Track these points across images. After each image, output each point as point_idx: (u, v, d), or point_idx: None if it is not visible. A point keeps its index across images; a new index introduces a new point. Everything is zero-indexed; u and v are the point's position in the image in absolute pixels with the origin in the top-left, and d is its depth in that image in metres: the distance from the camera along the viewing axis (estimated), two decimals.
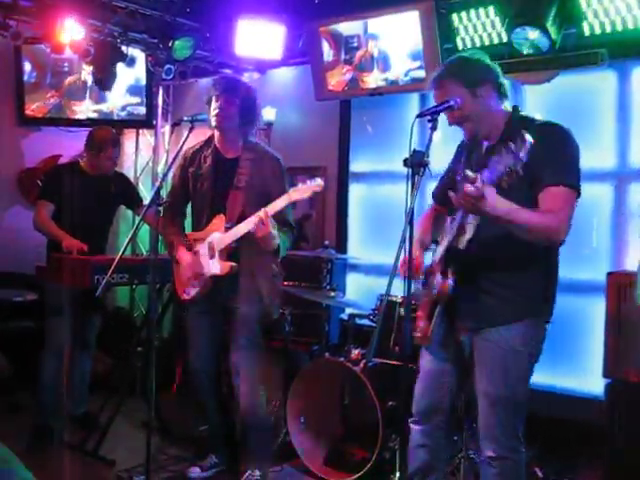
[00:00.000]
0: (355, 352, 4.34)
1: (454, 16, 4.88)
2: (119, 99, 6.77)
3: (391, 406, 4.07)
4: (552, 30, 4.35)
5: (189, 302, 4.05)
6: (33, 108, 6.65)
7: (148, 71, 6.56)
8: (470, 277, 2.88)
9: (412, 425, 3.13)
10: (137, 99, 6.80)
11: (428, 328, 2.95)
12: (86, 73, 6.44)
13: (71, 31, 5.35)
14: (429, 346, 3.07)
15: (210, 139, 4.09)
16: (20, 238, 6.12)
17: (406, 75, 5.29)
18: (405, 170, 2.67)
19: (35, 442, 4.53)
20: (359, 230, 6.21)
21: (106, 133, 4.82)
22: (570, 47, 4.62)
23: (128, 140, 7.39)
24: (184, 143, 3.73)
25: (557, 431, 4.62)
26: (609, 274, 4.06)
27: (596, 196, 4.77)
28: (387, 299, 2.76)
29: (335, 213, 6.24)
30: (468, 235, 2.85)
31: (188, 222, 4.22)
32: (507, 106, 3.00)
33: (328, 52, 5.61)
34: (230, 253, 3.86)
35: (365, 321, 4.73)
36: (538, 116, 3.07)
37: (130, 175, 6.37)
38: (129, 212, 5.72)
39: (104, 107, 6.78)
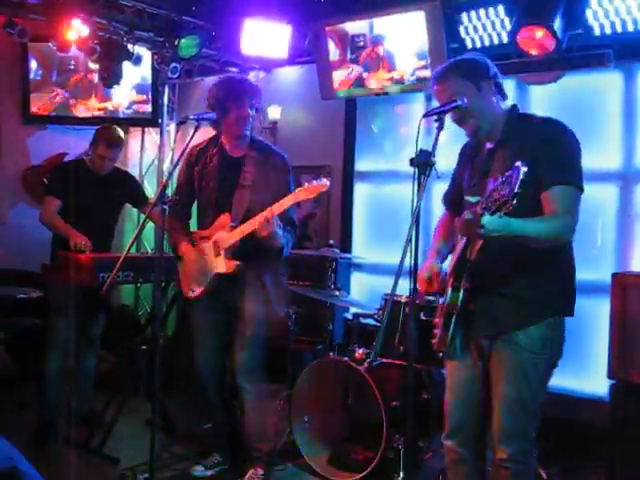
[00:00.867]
0: (359, 351, 4.33)
1: (460, 16, 4.87)
2: (125, 97, 6.79)
3: (395, 406, 4.06)
4: (559, 30, 4.35)
5: (194, 300, 4.04)
6: (39, 106, 6.67)
7: (154, 69, 6.57)
8: (483, 285, 2.85)
9: (445, 441, 3.06)
10: (143, 97, 6.82)
11: (445, 336, 2.92)
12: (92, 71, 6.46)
13: (77, 29, 5.36)
14: (453, 354, 3.00)
15: (216, 137, 4.08)
16: (25, 235, 6.14)
17: (412, 75, 5.29)
18: (411, 170, 2.67)
19: (39, 439, 4.54)
20: (364, 229, 6.21)
21: (105, 132, 4.79)
22: (576, 48, 4.62)
23: (134, 138, 7.40)
24: (190, 141, 3.73)
25: (561, 432, 4.60)
26: (614, 275, 4.04)
27: (601, 197, 4.77)
28: (392, 298, 2.76)
29: (340, 212, 6.24)
30: (477, 245, 2.84)
31: (193, 222, 4.22)
32: (506, 105, 2.98)
33: (334, 51, 5.61)
34: (235, 252, 3.86)
35: (369, 320, 4.73)
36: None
37: (135, 173, 6.38)
38: (134, 210, 5.72)
39: (110, 105, 6.80)
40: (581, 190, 2.78)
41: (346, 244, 6.11)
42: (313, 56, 5.82)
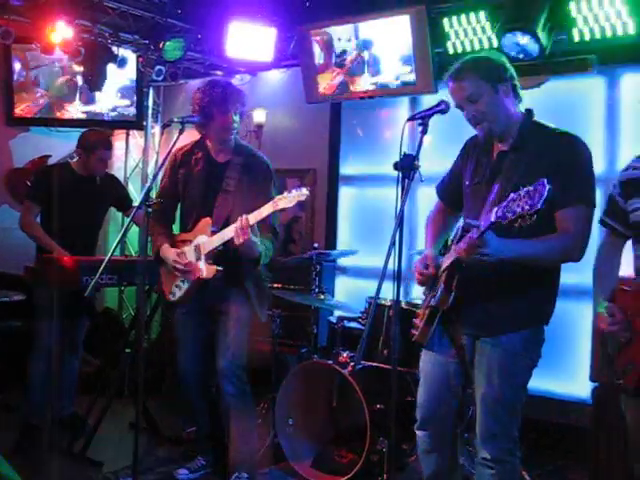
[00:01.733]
0: (344, 355, 4.34)
1: (445, 20, 4.90)
2: (109, 100, 6.76)
3: (379, 409, 4.08)
4: (542, 36, 4.39)
5: (175, 303, 4.04)
6: (22, 108, 6.63)
7: (139, 72, 6.55)
8: (474, 288, 2.86)
9: (417, 431, 3.11)
10: (127, 100, 6.79)
11: (427, 330, 2.95)
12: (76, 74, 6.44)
13: (62, 31, 5.34)
14: (431, 348, 3.05)
15: (201, 141, 4.08)
16: (8, 238, 6.10)
17: (397, 79, 5.31)
18: (395, 173, 2.68)
19: (23, 443, 4.51)
20: (348, 233, 6.22)
21: (98, 135, 4.81)
22: (560, 53, 4.67)
23: (118, 141, 7.37)
24: (174, 144, 3.72)
25: (544, 434, 4.64)
26: None
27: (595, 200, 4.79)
28: (376, 302, 2.77)
29: (325, 216, 6.25)
30: None
31: (176, 226, 4.21)
32: (521, 108, 2.97)
33: (319, 55, 5.63)
34: (216, 256, 3.85)
35: (354, 324, 4.74)
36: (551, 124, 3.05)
37: (120, 176, 6.35)
38: (119, 214, 5.71)
39: (94, 108, 6.77)
40: (594, 207, 2.81)
41: (331, 247, 6.11)
42: (298, 60, 5.83)
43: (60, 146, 6.51)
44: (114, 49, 5.85)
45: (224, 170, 3.95)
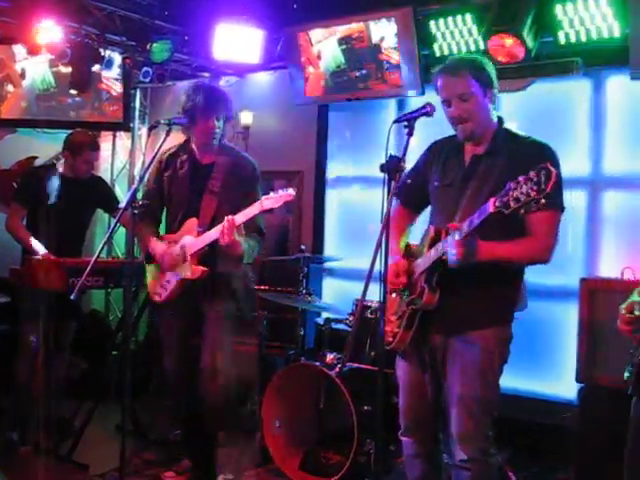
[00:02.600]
0: (330, 356, 4.35)
1: (432, 23, 4.92)
2: (96, 101, 6.72)
3: (366, 410, 4.08)
4: (528, 38, 4.41)
5: (161, 304, 4.04)
6: (8, 109, 6.59)
7: (126, 74, 6.52)
8: (450, 286, 2.89)
9: (403, 438, 3.16)
10: (114, 102, 6.76)
11: (407, 335, 2.98)
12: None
13: (48, 32, 5.32)
14: (405, 354, 3.10)
15: (186, 143, 4.08)
16: None
17: (384, 81, 5.31)
18: (382, 175, 2.69)
19: (9, 446, 4.49)
20: (336, 235, 6.23)
21: (84, 137, 4.81)
22: (546, 55, 4.70)
23: (105, 143, 7.33)
24: (161, 146, 3.72)
25: (531, 435, 4.66)
26: (582, 280, 4.10)
27: (570, 203, 4.80)
28: (362, 304, 2.78)
29: (312, 217, 6.25)
30: None
31: (162, 227, 4.20)
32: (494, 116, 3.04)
33: (306, 57, 5.63)
34: (202, 257, 3.85)
35: (341, 326, 4.74)
36: (515, 127, 3.09)
37: (107, 178, 6.34)
38: (106, 215, 5.70)
39: (81, 109, 6.73)
40: (564, 211, 2.89)
41: (318, 249, 6.12)
42: (286, 62, 5.83)
43: (47, 147, 6.47)
44: (101, 50, 5.82)
45: (209, 171, 3.96)
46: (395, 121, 2.81)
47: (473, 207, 2.72)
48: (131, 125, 6.99)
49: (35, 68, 6.38)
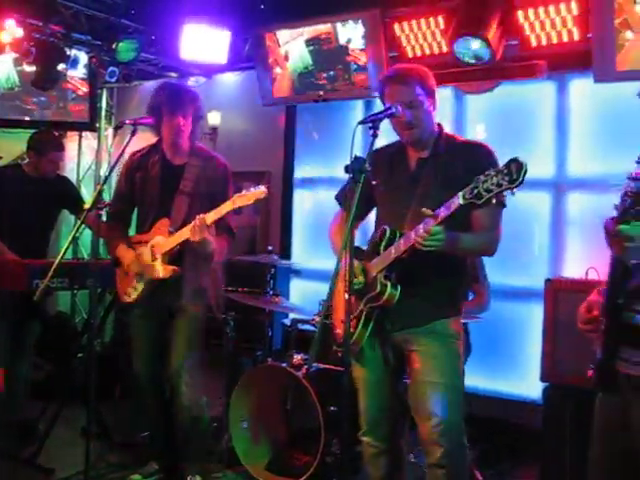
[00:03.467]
0: (297, 357, 4.34)
1: (399, 25, 4.94)
2: (61, 101, 6.66)
3: (333, 411, 4.08)
4: (494, 41, 4.45)
5: (131, 304, 4.01)
6: None
7: (91, 73, 6.46)
8: (407, 282, 2.95)
9: (363, 438, 3.18)
10: (80, 101, 6.69)
11: (364, 332, 3.02)
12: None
13: (12, 31, 5.26)
14: (361, 355, 3.12)
15: (157, 143, 4.07)
16: None
17: (352, 82, 5.33)
18: (347, 176, 2.70)
19: None
20: (303, 235, 6.23)
21: (49, 136, 4.77)
22: (511, 58, 4.73)
23: (71, 143, 7.28)
24: (126, 146, 3.70)
25: (497, 434, 4.69)
26: (547, 280, 4.14)
27: (535, 204, 4.87)
28: (328, 304, 2.80)
29: (280, 218, 6.25)
30: (407, 246, 2.91)
31: (132, 228, 4.18)
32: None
33: (274, 58, 5.62)
34: (173, 257, 3.84)
35: (308, 326, 4.74)
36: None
37: (73, 178, 6.27)
38: (72, 216, 5.64)
39: (46, 109, 6.66)
40: (504, 206, 2.96)
41: (286, 250, 6.12)
42: (253, 62, 5.82)
43: (11, 147, 6.38)
44: (66, 49, 5.76)
45: (181, 172, 3.96)
46: (360, 122, 2.83)
47: (423, 207, 2.77)
48: (97, 125, 6.93)
49: None
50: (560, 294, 4.03)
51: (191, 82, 6.48)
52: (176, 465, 4.12)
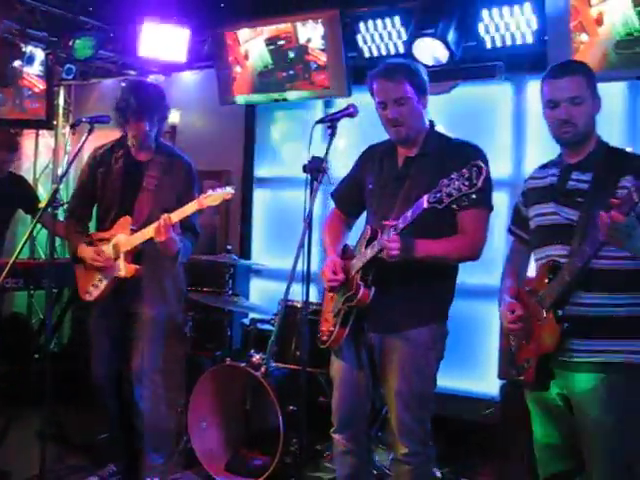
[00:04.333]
0: (256, 357, 4.33)
1: (359, 25, 4.95)
2: (17, 98, 6.55)
3: (292, 410, 4.09)
4: (452, 42, 4.49)
5: (91, 303, 3.96)
6: None
7: (48, 70, 6.37)
8: (386, 285, 2.96)
9: (334, 435, 3.20)
10: (37, 99, 6.59)
11: (342, 332, 3.02)
12: None
13: None
14: (340, 353, 3.14)
15: (122, 139, 4.02)
16: None
17: (311, 82, 5.33)
18: (305, 176, 2.71)
19: None
20: (263, 235, 6.22)
21: (2, 135, 4.68)
22: (469, 59, 4.78)
23: (27, 140, 7.16)
24: (83, 144, 3.66)
25: (455, 431, 4.73)
26: None
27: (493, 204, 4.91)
28: (285, 304, 2.80)
29: (239, 218, 6.23)
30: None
31: (92, 225, 4.13)
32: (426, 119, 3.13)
33: (233, 57, 5.60)
34: (135, 255, 3.81)
35: (267, 326, 4.74)
36: (448, 132, 3.17)
37: (29, 177, 6.20)
38: (28, 215, 5.56)
39: (1, 106, 6.54)
40: (492, 210, 3.00)
41: (245, 250, 6.10)
42: (212, 61, 5.80)
43: None
44: (22, 46, 5.68)
45: (145, 169, 3.92)
46: (318, 122, 2.84)
47: (408, 207, 2.78)
48: (54, 123, 6.83)
49: None
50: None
51: (151, 80, 6.42)
52: (135, 466, 4.09)
